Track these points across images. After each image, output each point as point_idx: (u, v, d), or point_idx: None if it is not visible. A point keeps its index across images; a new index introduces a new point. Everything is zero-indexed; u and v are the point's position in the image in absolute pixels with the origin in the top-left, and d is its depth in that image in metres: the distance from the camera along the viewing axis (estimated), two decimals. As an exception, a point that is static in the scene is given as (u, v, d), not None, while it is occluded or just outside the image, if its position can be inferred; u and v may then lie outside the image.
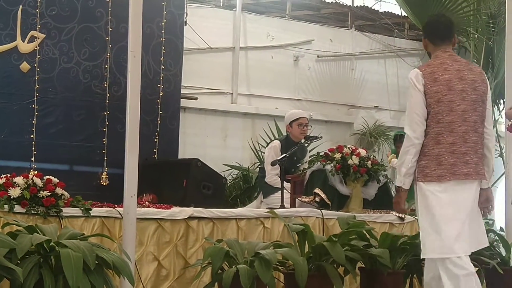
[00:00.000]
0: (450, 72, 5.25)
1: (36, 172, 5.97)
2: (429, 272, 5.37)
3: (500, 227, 8.17)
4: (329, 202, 7.21)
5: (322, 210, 7.03)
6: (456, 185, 5.19)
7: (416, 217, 7.58)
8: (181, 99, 9.23)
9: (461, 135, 5.21)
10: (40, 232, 4.91)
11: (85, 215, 5.94)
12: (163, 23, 8.72)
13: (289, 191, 7.63)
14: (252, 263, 5.70)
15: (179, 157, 8.99)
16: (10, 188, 5.72)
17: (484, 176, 5.28)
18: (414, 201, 8.41)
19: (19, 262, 4.56)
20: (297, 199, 7.49)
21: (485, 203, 5.44)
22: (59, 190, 5.88)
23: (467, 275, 5.13)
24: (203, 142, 10.27)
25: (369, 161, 7.57)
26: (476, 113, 5.25)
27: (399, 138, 9.94)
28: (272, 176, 8.01)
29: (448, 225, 5.13)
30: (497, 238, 7.51)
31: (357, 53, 11.93)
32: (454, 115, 5.20)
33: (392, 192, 8.11)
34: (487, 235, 7.28)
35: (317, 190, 7.19)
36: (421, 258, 5.39)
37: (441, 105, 5.20)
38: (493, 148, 5.43)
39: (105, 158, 8.13)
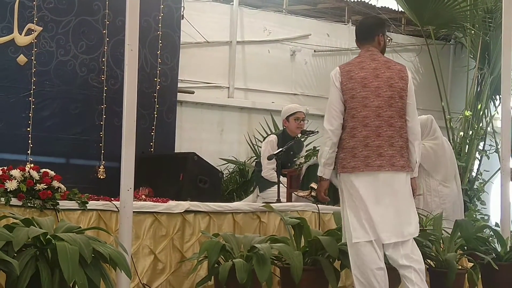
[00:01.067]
0: (366, 71, 5.59)
1: (32, 165, 5.97)
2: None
3: (495, 223, 8.19)
4: (325, 197, 7.22)
5: (318, 205, 7.04)
6: (370, 176, 5.51)
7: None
8: (178, 93, 9.21)
9: (375, 129, 5.52)
10: (36, 225, 4.91)
11: (82, 208, 5.95)
12: (160, 17, 8.71)
13: (286, 186, 7.64)
14: (249, 258, 5.71)
15: (175, 151, 8.99)
16: (7, 180, 5.73)
17: (402, 168, 5.54)
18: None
19: (15, 255, 4.57)
20: (293, 194, 7.51)
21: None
22: (55, 183, 5.89)
23: (379, 269, 5.49)
24: (199, 136, 10.26)
25: (366, 156, 7.56)
26: (391, 109, 5.55)
27: None
28: (269, 170, 8.02)
29: (366, 212, 5.46)
30: (492, 234, 7.54)
31: (353, 48, 11.88)
32: (368, 110, 5.53)
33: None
34: (482, 231, 7.35)
35: (313, 185, 7.19)
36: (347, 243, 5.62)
37: (355, 101, 5.55)
38: (414, 140, 5.66)
39: (102, 151, 8.13)
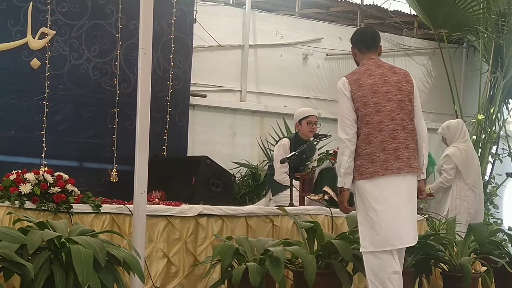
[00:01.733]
0: (374, 77, 5.64)
1: (46, 169, 5.99)
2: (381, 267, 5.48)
3: (509, 227, 8.19)
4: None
5: (331, 208, 7.03)
6: (389, 180, 5.50)
7: (424, 216, 7.64)
8: (190, 97, 9.22)
9: (390, 133, 5.55)
10: (50, 228, 4.93)
11: (95, 211, 5.96)
12: (173, 21, 8.72)
13: (298, 189, 7.63)
14: (262, 260, 5.71)
15: (188, 155, 8.99)
16: (21, 184, 5.74)
17: (418, 169, 5.59)
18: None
19: (30, 258, 4.59)
20: (306, 197, 7.50)
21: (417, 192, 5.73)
22: (69, 187, 5.91)
23: (395, 273, 5.42)
24: (211, 139, 10.26)
25: (379, 160, 7.55)
26: (403, 112, 5.60)
27: None
28: (281, 174, 8.02)
29: (384, 219, 5.43)
30: (506, 238, 7.52)
31: (366, 52, 11.90)
32: (381, 115, 5.56)
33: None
34: (496, 235, 7.33)
35: (326, 188, 7.19)
36: (360, 251, 5.60)
37: (368, 107, 5.57)
38: (423, 142, 5.69)
39: (115, 154, 8.14)
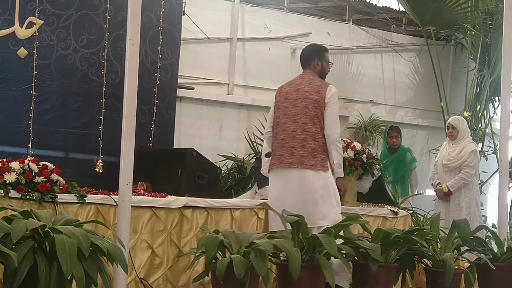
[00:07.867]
0: (292, 86, 6.73)
1: (32, 158, 5.97)
2: None
3: (492, 224, 8.22)
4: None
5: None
6: (283, 171, 6.58)
7: (409, 211, 7.68)
8: (178, 89, 9.20)
9: (290, 133, 6.57)
10: (35, 218, 4.91)
11: (80, 201, 5.96)
12: (161, 12, 8.70)
13: (284, 183, 7.63)
14: (246, 253, 5.71)
15: (174, 147, 8.97)
16: (6, 173, 5.73)
17: (311, 167, 6.46)
18: (407, 195, 8.51)
19: (13, 246, 4.56)
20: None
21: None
22: (54, 176, 5.90)
23: None
24: (198, 132, 10.27)
25: (364, 155, 7.61)
26: (306, 116, 6.55)
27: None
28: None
29: (275, 203, 6.48)
30: (490, 235, 7.56)
31: (354, 47, 11.93)
32: (286, 118, 6.62)
33: (386, 187, 8.16)
34: (478, 231, 7.36)
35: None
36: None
37: (279, 111, 6.72)
38: (330, 144, 6.53)
39: (101, 145, 8.12)
